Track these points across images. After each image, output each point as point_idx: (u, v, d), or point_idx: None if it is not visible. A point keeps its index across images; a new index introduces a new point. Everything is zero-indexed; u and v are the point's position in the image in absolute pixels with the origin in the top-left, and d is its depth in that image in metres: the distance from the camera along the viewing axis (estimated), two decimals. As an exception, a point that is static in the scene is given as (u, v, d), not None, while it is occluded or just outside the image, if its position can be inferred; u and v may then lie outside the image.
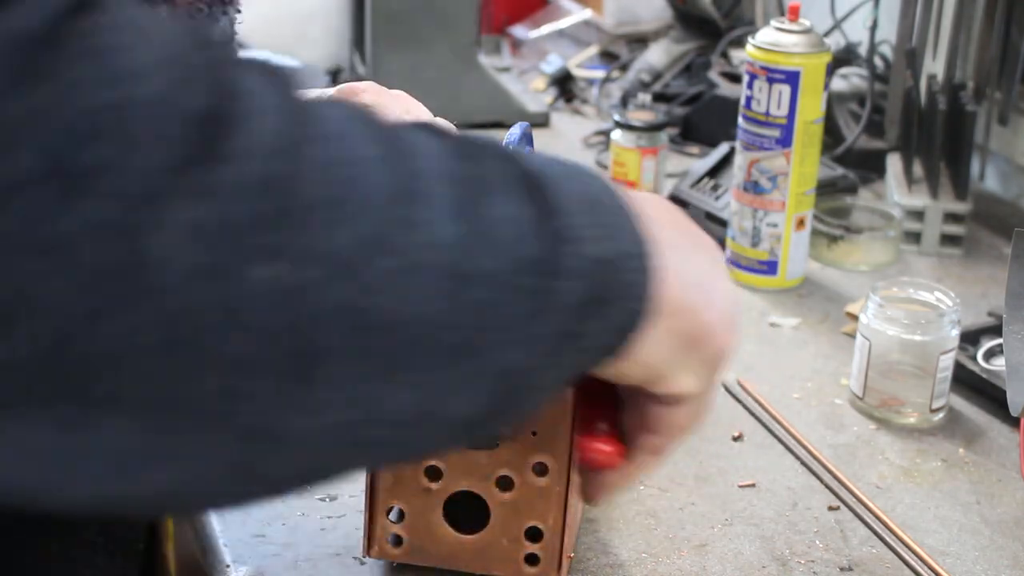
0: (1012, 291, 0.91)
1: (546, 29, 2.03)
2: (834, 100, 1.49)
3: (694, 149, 1.57)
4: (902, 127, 1.38)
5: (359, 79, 1.28)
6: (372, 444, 0.42)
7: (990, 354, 1.03)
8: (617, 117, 1.41)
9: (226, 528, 0.80)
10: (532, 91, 1.77)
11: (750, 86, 1.16)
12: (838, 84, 1.52)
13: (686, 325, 0.52)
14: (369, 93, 0.77)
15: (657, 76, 1.74)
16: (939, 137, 1.28)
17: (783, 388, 1.02)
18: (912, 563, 0.81)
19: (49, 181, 0.34)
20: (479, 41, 1.70)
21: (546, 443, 0.69)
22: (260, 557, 0.77)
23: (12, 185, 0.34)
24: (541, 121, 1.66)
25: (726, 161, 1.34)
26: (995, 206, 1.42)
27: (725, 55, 1.70)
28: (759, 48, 1.15)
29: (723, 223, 1.26)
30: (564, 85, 1.79)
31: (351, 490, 0.83)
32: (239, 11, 0.68)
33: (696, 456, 0.91)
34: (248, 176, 0.37)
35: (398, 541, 0.73)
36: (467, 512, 0.72)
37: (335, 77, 1.75)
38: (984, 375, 1.00)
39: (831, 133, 1.43)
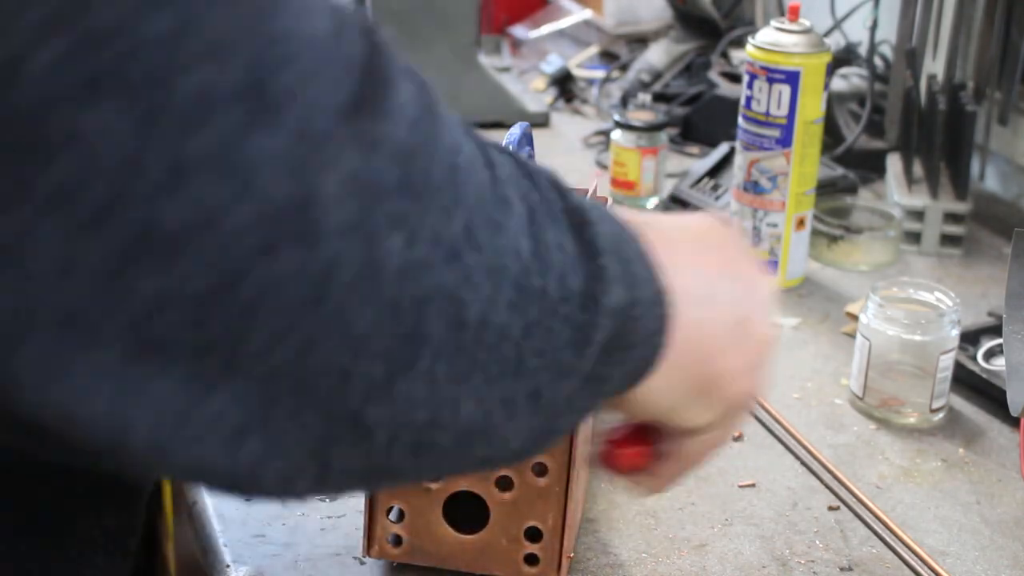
0: (1012, 291, 0.91)
1: (546, 29, 2.03)
2: (834, 100, 1.49)
3: (694, 149, 1.57)
4: (902, 127, 1.38)
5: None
6: (432, 452, 0.41)
7: (990, 354, 1.03)
8: (617, 117, 1.41)
9: (226, 528, 0.80)
10: (532, 91, 1.77)
11: (750, 86, 1.16)
12: (838, 84, 1.52)
13: (697, 372, 0.52)
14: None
15: (657, 76, 1.74)
16: (939, 137, 1.28)
17: (783, 388, 1.02)
18: (912, 563, 0.81)
19: (246, 101, 0.33)
20: (479, 41, 1.70)
21: None
22: (260, 557, 0.77)
23: (218, 98, 0.32)
24: (541, 121, 1.66)
25: (726, 161, 1.34)
26: (995, 206, 1.42)
27: (725, 55, 1.70)
28: (759, 48, 1.15)
29: (723, 223, 1.27)
30: (564, 85, 1.79)
31: (351, 490, 0.83)
32: None
33: (696, 456, 0.91)
34: (401, 139, 0.36)
35: (398, 541, 0.73)
36: (467, 512, 0.72)
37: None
38: (984, 375, 1.00)
39: (831, 133, 1.43)
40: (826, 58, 1.15)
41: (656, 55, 1.77)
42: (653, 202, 1.41)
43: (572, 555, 0.77)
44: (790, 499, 0.87)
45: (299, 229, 0.34)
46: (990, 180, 1.48)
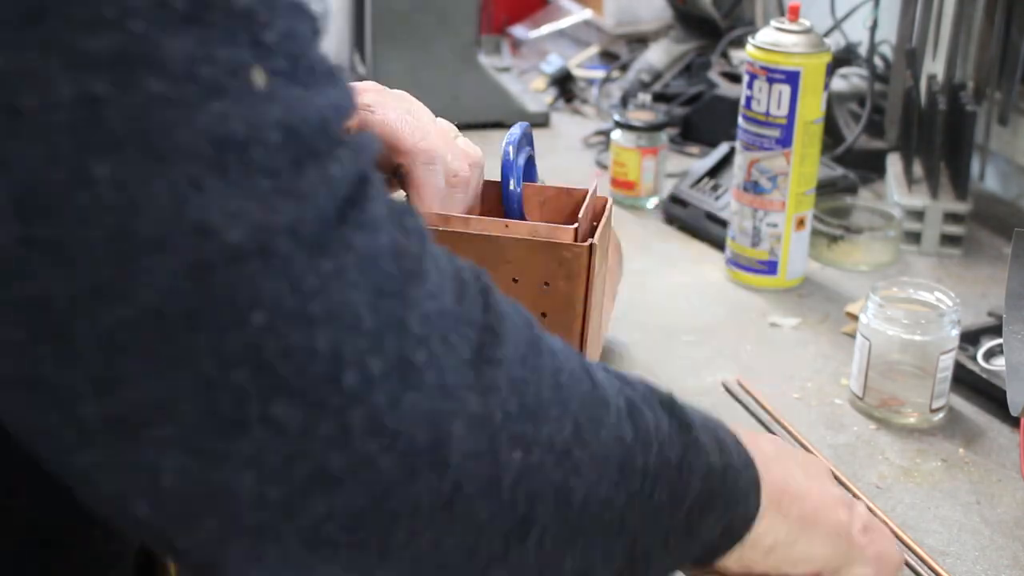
0: (1012, 291, 0.91)
1: (546, 29, 2.04)
2: (834, 100, 1.49)
3: (694, 149, 1.57)
4: (902, 127, 1.38)
5: (359, 79, 1.28)
6: None
7: (990, 354, 1.03)
8: (617, 117, 1.41)
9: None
10: (532, 91, 1.77)
11: (750, 86, 1.16)
12: (838, 84, 1.52)
13: (795, 510, 0.60)
14: (370, 93, 0.77)
15: (657, 76, 1.74)
16: (939, 137, 1.28)
17: (783, 388, 1.02)
18: (912, 563, 0.81)
19: (391, 376, 0.41)
20: (479, 41, 1.70)
21: None
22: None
23: (376, 378, 0.41)
24: (541, 121, 1.66)
25: (726, 161, 1.34)
26: (995, 206, 1.42)
27: (725, 55, 1.70)
28: (759, 48, 1.15)
29: (723, 223, 1.27)
30: (564, 85, 1.79)
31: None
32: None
33: (696, 456, 0.91)
34: (515, 376, 0.46)
35: None
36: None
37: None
38: (984, 375, 1.00)
39: (831, 133, 1.43)
40: (826, 58, 1.15)
41: (656, 55, 1.77)
42: (653, 202, 1.41)
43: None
44: (790, 499, 0.87)
45: (432, 460, 0.43)
46: (990, 180, 1.48)
